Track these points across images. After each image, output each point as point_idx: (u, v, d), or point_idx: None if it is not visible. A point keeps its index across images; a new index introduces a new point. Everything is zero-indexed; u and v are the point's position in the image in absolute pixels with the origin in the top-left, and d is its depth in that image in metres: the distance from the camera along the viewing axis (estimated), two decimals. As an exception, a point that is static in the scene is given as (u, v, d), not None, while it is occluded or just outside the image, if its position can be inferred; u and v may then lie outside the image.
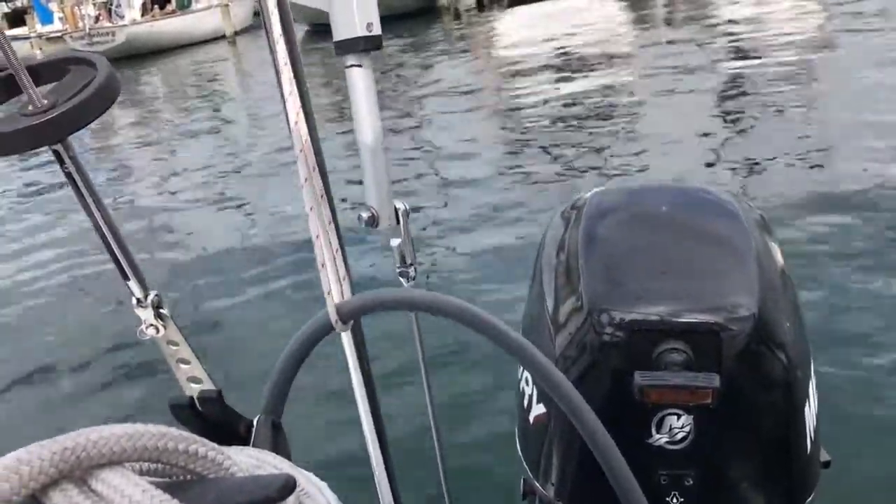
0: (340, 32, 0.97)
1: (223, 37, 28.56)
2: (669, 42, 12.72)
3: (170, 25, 28.06)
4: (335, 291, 1.01)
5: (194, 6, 29.41)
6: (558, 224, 1.29)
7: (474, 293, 4.92)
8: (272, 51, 0.91)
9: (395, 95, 12.30)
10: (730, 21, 13.83)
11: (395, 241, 1.07)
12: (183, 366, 0.98)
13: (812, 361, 1.15)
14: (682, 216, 1.20)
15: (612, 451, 0.81)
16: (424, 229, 6.11)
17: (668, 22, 16.29)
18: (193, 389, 0.97)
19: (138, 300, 0.95)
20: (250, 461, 0.59)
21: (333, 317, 0.91)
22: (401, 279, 1.10)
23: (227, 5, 29.06)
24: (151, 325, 0.96)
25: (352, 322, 0.96)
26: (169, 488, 0.46)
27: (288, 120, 0.91)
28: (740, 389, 1.01)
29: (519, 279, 4.62)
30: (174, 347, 0.97)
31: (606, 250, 1.15)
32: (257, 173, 8.84)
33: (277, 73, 0.91)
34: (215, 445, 0.51)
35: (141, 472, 0.48)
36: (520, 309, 1.30)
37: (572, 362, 1.06)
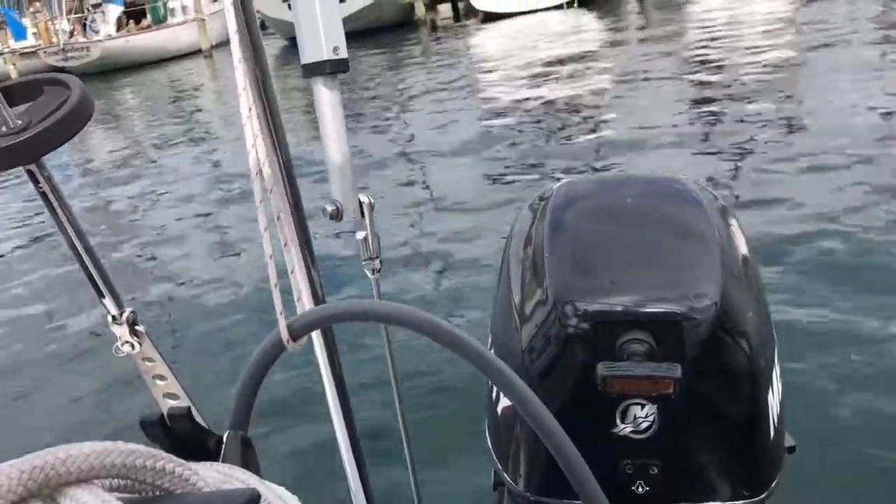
0: (308, 56, 0.98)
1: (199, 51, 28.41)
2: (643, 53, 12.83)
3: (145, 40, 27.85)
4: (306, 303, 1.02)
5: (170, 21, 29.23)
6: (526, 216, 1.29)
7: (443, 289, 4.94)
8: (236, 72, 0.91)
9: (372, 101, 12.32)
10: (702, 26, 14.04)
11: (360, 235, 1.08)
12: (159, 382, 0.98)
13: (776, 348, 1.16)
14: (647, 206, 1.21)
15: (564, 441, 0.81)
16: (393, 230, 6.08)
17: (641, 30, 16.50)
18: (169, 405, 0.97)
19: (113, 317, 0.95)
20: (218, 476, 0.60)
21: (285, 336, 0.91)
22: (366, 272, 1.12)
23: (203, 20, 28.93)
24: (127, 341, 0.95)
25: (305, 339, 0.95)
26: None
27: (245, 141, 0.91)
28: (703, 378, 1.02)
29: (488, 273, 4.65)
30: (150, 364, 0.97)
31: (572, 242, 1.15)
32: (232, 189, 8.76)
33: (238, 94, 0.91)
34: (183, 461, 0.52)
35: (110, 489, 0.49)
36: (489, 302, 1.30)
37: (538, 354, 1.07)
